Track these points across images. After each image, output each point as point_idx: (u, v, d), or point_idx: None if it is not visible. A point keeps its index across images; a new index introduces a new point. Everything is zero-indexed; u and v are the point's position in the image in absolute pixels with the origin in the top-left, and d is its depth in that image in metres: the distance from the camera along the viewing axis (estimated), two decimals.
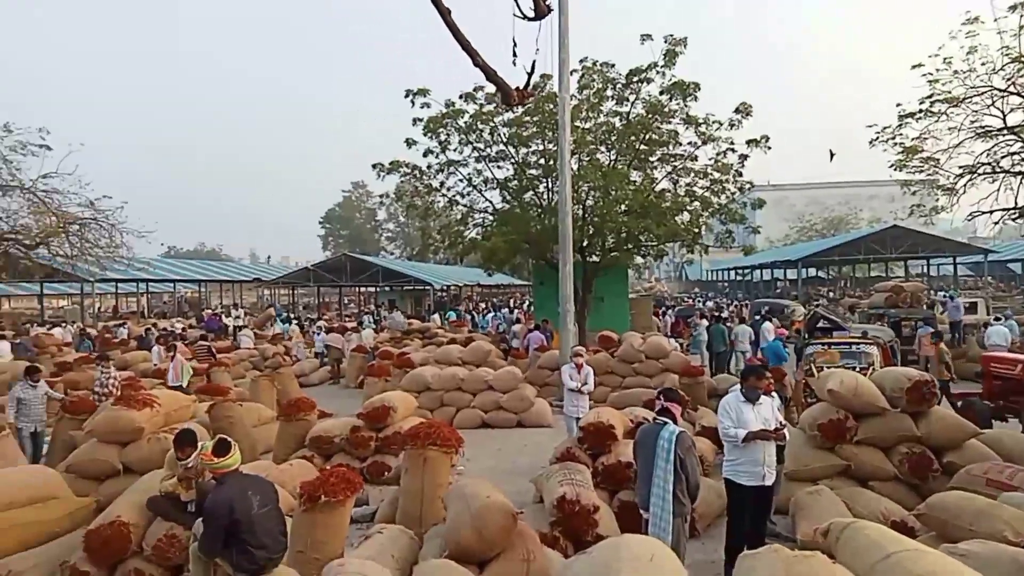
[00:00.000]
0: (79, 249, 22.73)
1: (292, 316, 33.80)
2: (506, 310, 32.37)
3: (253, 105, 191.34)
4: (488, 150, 18.56)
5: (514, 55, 7.12)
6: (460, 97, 18.15)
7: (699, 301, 43.44)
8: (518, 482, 8.32)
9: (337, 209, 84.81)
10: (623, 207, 17.19)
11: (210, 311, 32.95)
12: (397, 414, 9.43)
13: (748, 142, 17.41)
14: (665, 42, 17.04)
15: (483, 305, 41.48)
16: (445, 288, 40.69)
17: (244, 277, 47.64)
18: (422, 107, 18.28)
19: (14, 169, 21.70)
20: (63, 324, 27.90)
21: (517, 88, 7.18)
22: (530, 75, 7.27)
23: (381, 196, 24.96)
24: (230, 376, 16.24)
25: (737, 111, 17.32)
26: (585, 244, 17.69)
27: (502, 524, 4.82)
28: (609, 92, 18.14)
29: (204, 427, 8.36)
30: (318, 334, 22.84)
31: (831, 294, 43.47)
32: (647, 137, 17.83)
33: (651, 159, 18.47)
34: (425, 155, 18.72)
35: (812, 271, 54.12)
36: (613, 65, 18.18)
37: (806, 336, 15.10)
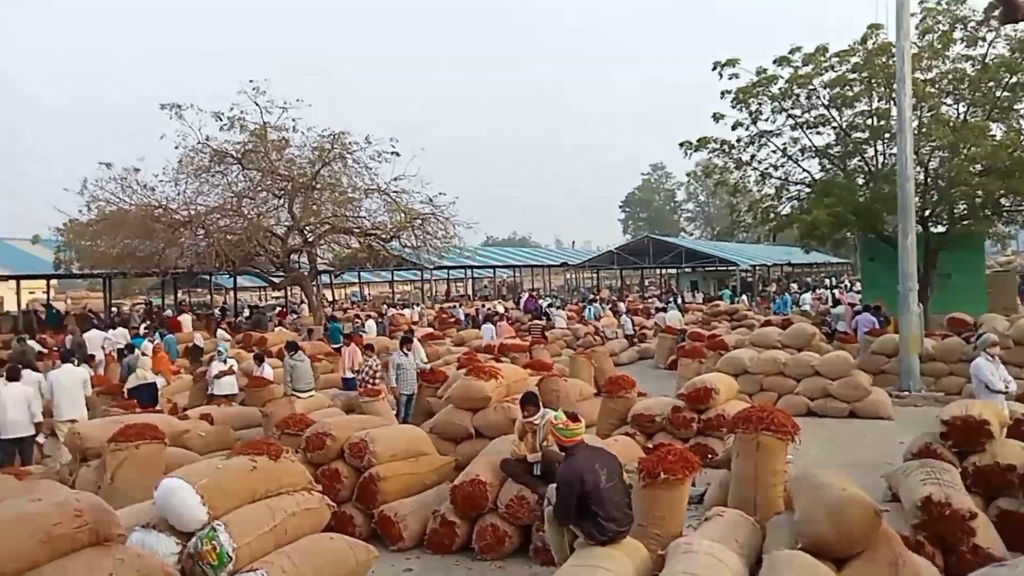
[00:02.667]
0: (422, 240, 26.18)
1: (596, 298, 35.11)
2: (821, 291, 29.77)
3: (552, 97, 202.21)
4: (805, 116, 17.10)
5: None
6: (774, 62, 16.96)
7: None
8: (860, 478, 7.52)
9: (636, 192, 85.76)
10: (978, 167, 14.59)
11: (527, 293, 35.60)
12: (719, 396, 9.18)
13: None
14: None
15: (794, 286, 38.66)
16: (751, 268, 38.74)
17: (552, 262, 50.67)
18: (730, 78, 17.51)
19: (373, 174, 25.70)
20: (412, 305, 32.32)
21: None
22: None
23: (689, 174, 24.53)
24: (548, 353, 17.39)
25: None
26: (927, 213, 15.40)
27: (864, 520, 4.38)
28: (958, 34, 15.48)
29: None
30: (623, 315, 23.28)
31: None
32: (1011, 81, 14.85)
33: (1017, 107, 15.38)
34: (734, 128, 17.93)
35: None
36: (964, 1, 15.46)
37: None
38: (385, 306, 33.91)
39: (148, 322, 23.60)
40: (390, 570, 6.06)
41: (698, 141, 18.07)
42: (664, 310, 22.49)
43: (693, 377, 12.83)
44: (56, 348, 17.51)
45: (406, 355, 10.99)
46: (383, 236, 25.90)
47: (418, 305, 34.34)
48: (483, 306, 30.59)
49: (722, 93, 17.62)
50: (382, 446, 7.00)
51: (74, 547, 4.66)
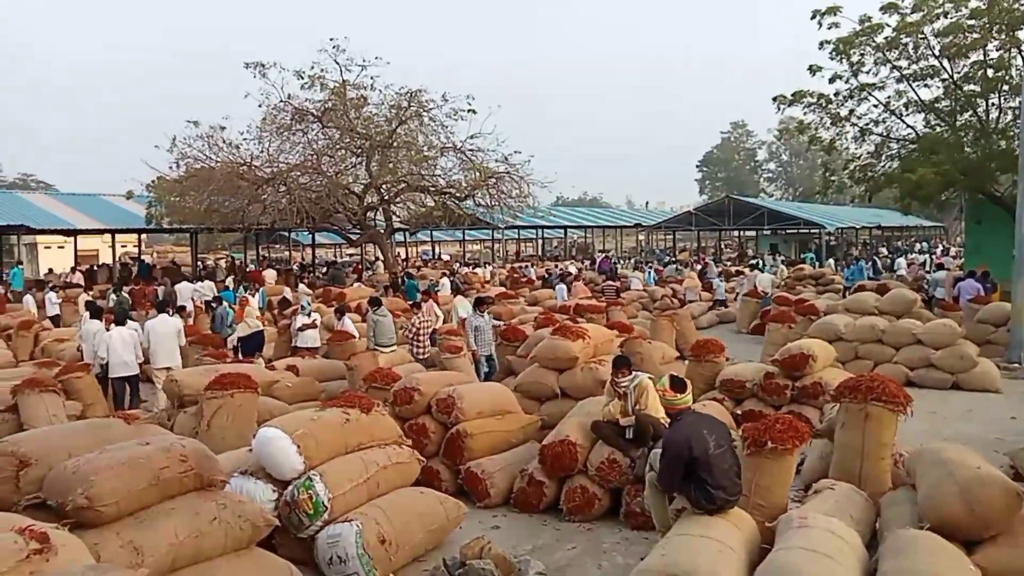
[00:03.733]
0: (496, 199, 26.00)
1: (673, 260, 34.36)
2: (914, 255, 28.13)
3: (625, 55, 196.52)
4: (912, 67, 15.89)
5: None
6: (880, 10, 15.76)
7: None
8: None
9: (715, 151, 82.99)
10: None
11: (602, 254, 35.15)
12: (816, 363, 8.71)
13: None
14: None
15: (883, 250, 36.80)
16: (838, 231, 36.96)
17: (625, 223, 49.78)
18: (829, 28, 16.39)
19: (448, 133, 25.54)
20: (484, 264, 32.40)
21: None
22: None
23: (780, 130, 23.35)
24: (625, 315, 17.07)
25: None
26: None
27: (1002, 502, 4.02)
28: None
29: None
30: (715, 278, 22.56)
31: None
32: None
33: None
34: (832, 81, 16.85)
35: None
36: None
37: None
38: (457, 264, 34.13)
39: (233, 275, 24.44)
40: (478, 527, 6.03)
41: (793, 95, 17.09)
42: (746, 273, 21.66)
43: (782, 343, 12.39)
44: (148, 299, 18.32)
45: (482, 316, 10.88)
46: (458, 195, 25.84)
47: (489, 264, 34.39)
48: (556, 266, 30.34)
49: (821, 43, 16.56)
50: (469, 402, 6.95)
51: (180, 490, 4.77)
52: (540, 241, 51.81)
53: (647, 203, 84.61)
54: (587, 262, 35.40)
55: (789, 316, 12.91)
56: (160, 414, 8.55)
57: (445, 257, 48.78)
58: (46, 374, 9.44)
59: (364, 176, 25.19)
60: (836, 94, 17.00)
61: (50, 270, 29.67)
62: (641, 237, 53.72)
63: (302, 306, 12.83)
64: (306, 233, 35.27)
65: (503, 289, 24.15)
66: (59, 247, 41.98)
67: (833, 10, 16.15)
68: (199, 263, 31.43)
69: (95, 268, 28.07)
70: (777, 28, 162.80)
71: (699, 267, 28.71)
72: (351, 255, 48.80)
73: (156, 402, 10.30)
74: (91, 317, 10.89)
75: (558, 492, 6.35)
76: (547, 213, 38.38)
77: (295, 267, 32.56)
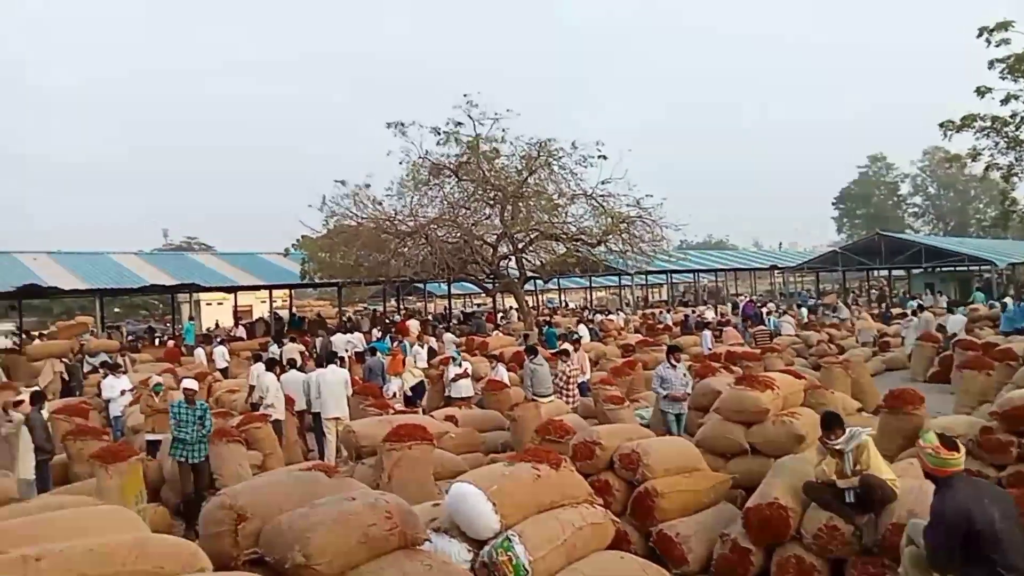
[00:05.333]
0: (628, 244, 25.61)
1: (819, 303, 32.31)
2: None
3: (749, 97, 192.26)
4: None
5: None
6: None
7: None
8: None
9: (852, 187, 78.42)
10: None
11: (746, 298, 33.73)
12: None
13: None
14: None
15: None
16: (1011, 267, 33.45)
17: (760, 265, 47.65)
18: (998, 45, 15.04)
19: (579, 180, 25.58)
20: (617, 311, 31.87)
21: None
22: None
23: (947, 159, 21.55)
24: (782, 362, 15.99)
25: None
26: None
27: None
28: None
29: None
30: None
31: None
32: None
33: None
34: (1005, 102, 15.38)
35: None
36: None
37: None
38: (587, 312, 33.80)
39: (378, 327, 25.35)
40: None
41: (963, 119, 15.74)
42: (915, 314, 19.84)
43: (979, 392, 11.09)
44: (307, 350, 19.22)
45: (673, 367, 9.78)
46: (590, 241, 25.69)
47: (620, 311, 33.77)
48: (693, 312, 29.30)
49: (990, 63, 15.18)
50: (655, 459, 6.53)
51: (386, 548, 4.67)
52: (669, 286, 50.54)
53: (780, 244, 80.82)
54: (728, 306, 34.01)
55: (986, 362, 11.54)
56: (338, 466, 8.70)
57: (571, 304, 48.59)
58: (225, 424, 9.93)
59: (497, 226, 25.62)
60: (1013, 115, 15.48)
61: (217, 324, 32.11)
62: (777, 279, 51.20)
63: (453, 356, 12.92)
64: (438, 284, 36.29)
65: (640, 336, 23.55)
66: (218, 303, 45.59)
67: (1004, 26, 14.83)
68: (344, 316, 32.94)
69: (253, 323, 30.06)
70: (912, 51, 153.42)
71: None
72: (478, 305, 49.66)
73: (327, 451, 10.58)
74: (267, 369, 11.41)
75: (765, 561, 5.76)
76: (677, 258, 37.42)
77: (430, 317, 33.39)
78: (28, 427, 7.61)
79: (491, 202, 25.26)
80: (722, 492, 6.80)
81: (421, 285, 36.69)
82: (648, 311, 33.92)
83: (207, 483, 7.74)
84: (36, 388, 9.58)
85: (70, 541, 3.32)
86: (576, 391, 11.50)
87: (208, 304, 45.66)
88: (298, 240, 27.64)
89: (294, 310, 35.54)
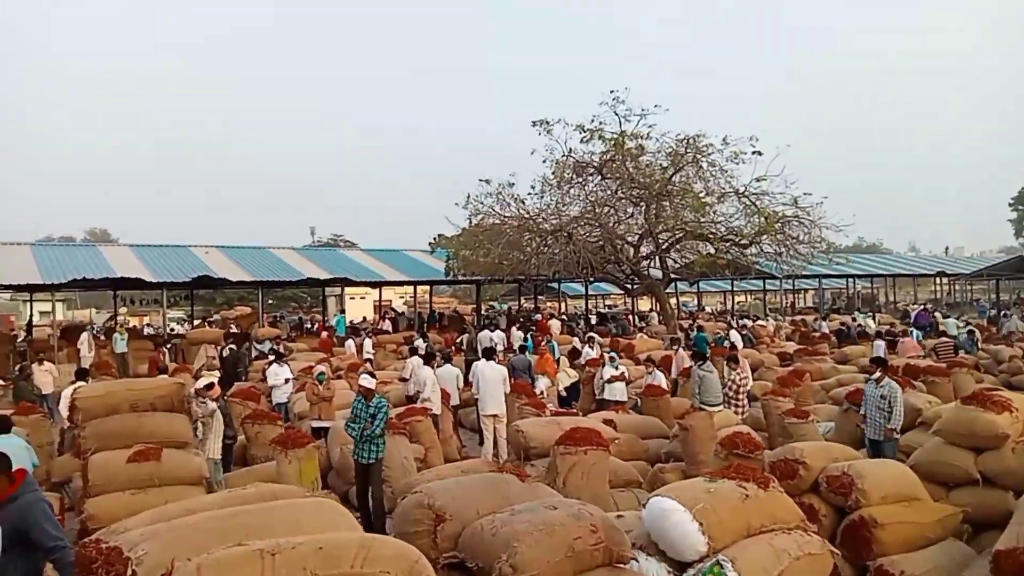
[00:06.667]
0: (784, 246, 24.04)
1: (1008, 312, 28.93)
2: None
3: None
4: None
5: None
6: None
7: None
8: None
9: None
10: None
11: (918, 307, 30.99)
12: None
13: None
14: None
15: None
16: None
17: (925, 271, 43.59)
18: None
19: (728, 177, 24.30)
20: (766, 317, 30.16)
21: None
22: None
23: None
24: (972, 379, 14.26)
25: None
26: None
27: None
28: None
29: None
30: None
31: None
32: None
33: None
34: None
35: None
36: None
37: None
38: (735, 318, 32.26)
39: (515, 325, 25.34)
40: None
41: None
42: None
43: None
44: (452, 345, 19.45)
45: (882, 383, 8.33)
46: (740, 242, 24.36)
47: (768, 317, 31.91)
48: (853, 319, 27.14)
49: None
50: (871, 483, 5.77)
51: (590, 565, 4.30)
52: (820, 292, 47.36)
53: (947, 249, 73.70)
54: (883, 314, 31.29)
55: None
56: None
57: (707, 308, 46.59)
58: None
59: (640, 225, 24.88)
60: None
61: (364, 318, 33.52)
62: (945, 287, 46.73)
63: (611, 357, 12.45)
64: (573, 284, 35.86)
65: (794, 345, 22.02)
66: (360, 297, 47.69)
67: None
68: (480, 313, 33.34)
69: (397, 316, 31.08)
70: None
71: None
72: (609, 306, 48.73)
73: (484, 450, 10.46)
74: (424, 364, 11.46)
75: None
76: (830, 261, 34.87)
77: (565, 318, 33.10)
78: (221, 412, 7.94)
79: (635, 200, 24.58)
80: (951, 527, 5.91)
81: (555, 284, 36.49)
82: (797, 318, 31.86)
83: (377, 485, 7.61)
84: (216, 375, 10.06)
85: (295, 536, 3.18)
86: (746, 401, 10.72)
87: (351, 298, 47.87)
88: (435, 238, 28.23)
89: (433, 305, 36.44)
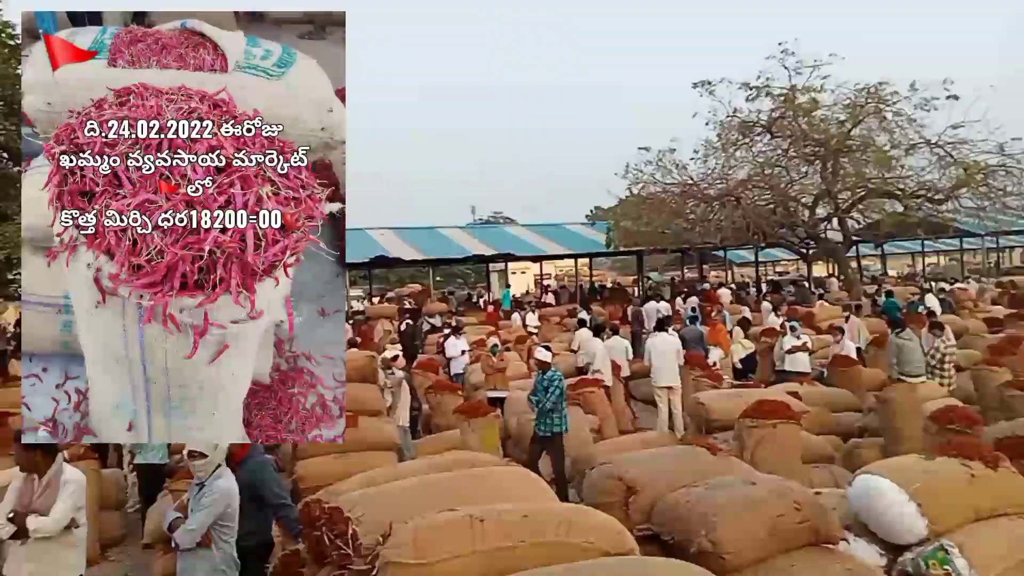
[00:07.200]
0: (988, 199, 21.40)
1: None
2: None
3: None
4: None
5: None
6: None
7: None
8: None
9: None
10: None
11: None
12: None
13: None
14: None
15: None
16: None
17: None
18: None
19: (918, 127, 21.88)
20: (966, 279, 27.14)
21: None
22: None
23: None
24: None
25: None
26: None
27: None
28: None
29: None
30: None
31: None
32: None
33: None
34: None
35: None
36: None
37: None
38: (921, 279, 29.26)
39: (680, 295, 24.64)
40: None
41: None
42: None
43: None
44: (618, 317, 19.31)
45: None
46: (933, 197, 21.96)
47: (969, 279, 28.61)
48: None
49: None
50: None
51: (796, 543, 4.07)
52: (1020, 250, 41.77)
53: None
54: None
55: None
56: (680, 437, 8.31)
57: (892, 272, 42.58)
58: None
59: (816, 185, 23.14)
60: None
61: (527, 291, 34.21)
62: None
63: (792, 326, 11.72)
64: (740, 251, 34.20)
65: (1006, 309, 19.51)
66: (521, 272, 48.66)
67: None
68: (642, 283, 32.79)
69: (560, 289, 31.38)
70: None
71: None
72: (779, 273, 45.93)
73: (659, 424, 10.29)
74: (594, 335, 11.45)
75: None
76: None
77: (734, 287, 31.72)
78: (407, 383, 8.43)
79: (809, 158, 22.90)
80: None
81: (721, 252, 35.02)
82: (1005, 279, 28.26)
83: (558, 457, 7.67)
84: (399, 347, 10.65)
85: (498, 503, 3.26)
86: (953, 371, 9.67)
87: (513, 273, 48.95)
88: (592, 210, 28.01)
89: (593, 278, 36.34)
